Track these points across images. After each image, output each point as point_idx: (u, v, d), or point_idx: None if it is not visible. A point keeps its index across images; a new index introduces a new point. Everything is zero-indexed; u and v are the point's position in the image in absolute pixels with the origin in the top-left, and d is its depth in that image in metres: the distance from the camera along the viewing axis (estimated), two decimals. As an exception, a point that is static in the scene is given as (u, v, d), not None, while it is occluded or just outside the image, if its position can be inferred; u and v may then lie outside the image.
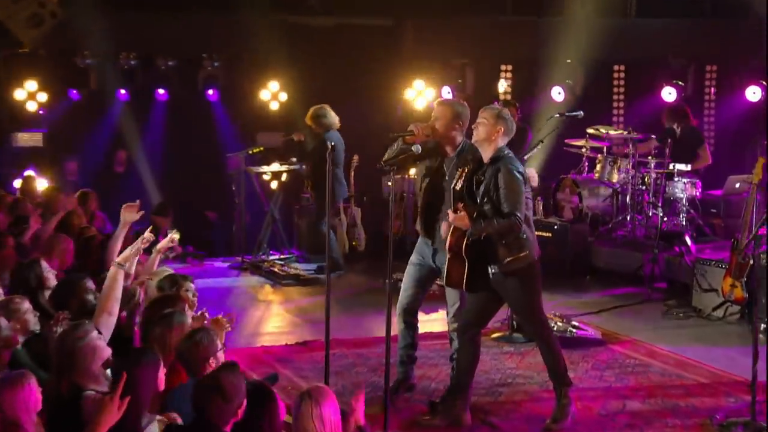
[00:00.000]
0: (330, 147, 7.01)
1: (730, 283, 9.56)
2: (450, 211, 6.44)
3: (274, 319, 10.21)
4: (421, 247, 7.14)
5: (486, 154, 6.57)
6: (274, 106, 14.54)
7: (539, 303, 6.79)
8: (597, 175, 12.02)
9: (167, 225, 11.54)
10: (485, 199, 6.46)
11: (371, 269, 12.07)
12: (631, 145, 11.86)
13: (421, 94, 14.82)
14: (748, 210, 9.43)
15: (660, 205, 11.49)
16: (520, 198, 6.44)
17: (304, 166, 12.03)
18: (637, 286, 11.01)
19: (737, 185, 11.99)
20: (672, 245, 11.23)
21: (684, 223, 11.61)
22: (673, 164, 11.64)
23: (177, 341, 5.58)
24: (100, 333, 5.25)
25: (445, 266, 6.66)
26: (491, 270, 6.56)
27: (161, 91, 14.29)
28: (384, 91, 14.68)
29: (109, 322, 5.80)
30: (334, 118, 11.60)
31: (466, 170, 6.55)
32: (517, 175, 6.47)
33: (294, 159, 12.22)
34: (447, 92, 14.83)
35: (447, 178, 6.90)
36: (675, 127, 12.25)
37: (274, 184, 12.75)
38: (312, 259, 12.47)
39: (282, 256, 12.66)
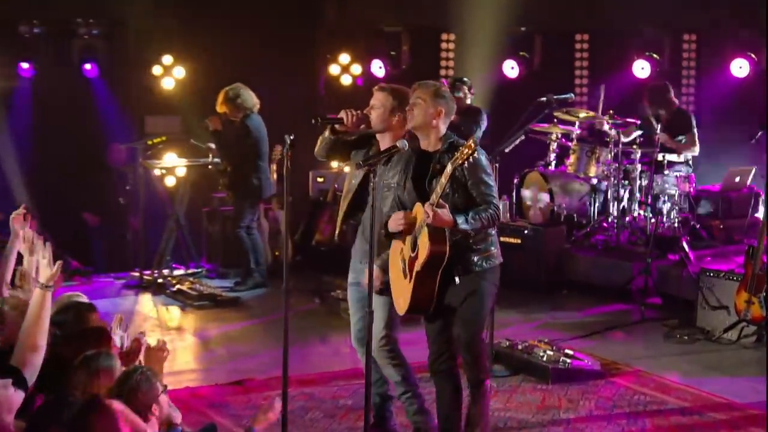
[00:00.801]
0: (289, 142, 6.64)
1: (745, 299, 9.52)
2: (426, 207, 6.10)
3: (192, 352, 9.82)
4: (353, 263, 7.10)
5: (428, 142, 6.44)
6: (168, 84, 14.15)
7: (485, 323, 6.62)
8: (571, 168, 11.92)
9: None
10: (453, 194, 6.30)
11: (301, 286, 11.73)
12: (613, 132, 11.72)
13: (347, 69, 14.54)
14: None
15: (649, 203, 11.40)
16: (494, 185, 6.40)
17: (220, 160, 11.60)
18: (625, 302, 10.96)
19: (737, 179, 12.03)
20: (665, 253, 11.14)
21: (676, 224, 11.55)
22: (662, 154, 11.56)
23: (106, 389, 5.30)
24: (12, 375, 5.00)
25: (409, 287, 6.37)
26: (457, 280, 6.36)
27: (25, 65, 13.80)
28: (303, 65, 14.47)
29: (35, 361, 5.42)
30: (252, 98, 11.40)
31: (458, 159, 6.19)
32: (486, 160, 6.40)
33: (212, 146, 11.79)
34: (378, 67, 14.62)
35: (377, 179, 6.64)
36: (658, 110, 12.23)
37: (169, 181, 12.31)
38: (228, 274, 12.22)
39: (189, 271, 12.32)
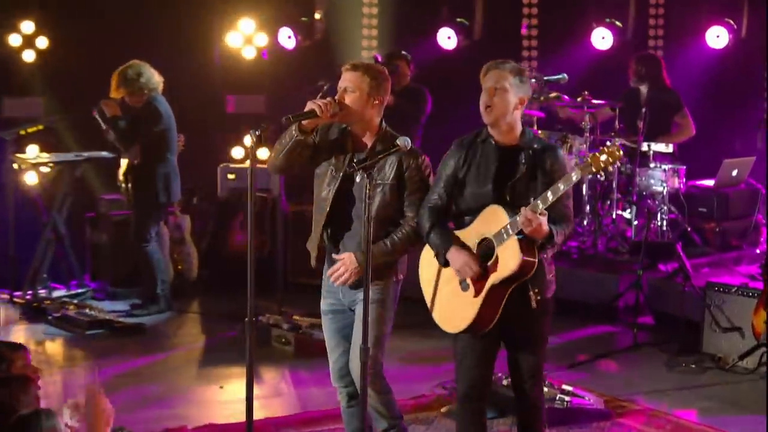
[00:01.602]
0: (256, 136, 6.45)
1: (764, 320, 9.44)
2: (528, 213, 6.08)
3: (94, 396, 9.42)
4: (327, 283, 7.01)
5: (504, 136, 6.42)
6: (28, 57, 13.72)
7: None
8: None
9: None
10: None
11: (213, 308, 11.63)
12: (587, 117, 11.70)
13: (249, 40, 14.23)
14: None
15: (635, 202, 11.39)
16: None
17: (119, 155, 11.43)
18: (611, 323, 11.02)
19: (734, 172, 12.06)
20: (655, 262, 11.08)
21: (665, 228, 11.54)
22: (647, 144, 11.53)
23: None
24: None
25: (475, 303, 6.37)
26: (534, 299, 6.40)
27: None
28: (195, 35, 14.12)
29: None
30: (155, 75, 11.35)
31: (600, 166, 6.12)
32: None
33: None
34: (287, 36, 14.38)
35: (358, 179, 6.74)
36: (642, 87, 12.31)
37: (30, 178, 12.08)
38: (119, 294, 12.03)
39: (72, 292, 12.03)
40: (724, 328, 9.88)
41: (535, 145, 6.34)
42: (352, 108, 6.70)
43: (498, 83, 6.31)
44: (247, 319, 6.55)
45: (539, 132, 11.88)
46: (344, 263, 6.75)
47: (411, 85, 12.48)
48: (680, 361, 9.90)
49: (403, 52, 12.70)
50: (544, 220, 6.09)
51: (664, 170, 11.65)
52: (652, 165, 11.67)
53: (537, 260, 6.24)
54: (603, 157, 5.99)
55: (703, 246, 11.88)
